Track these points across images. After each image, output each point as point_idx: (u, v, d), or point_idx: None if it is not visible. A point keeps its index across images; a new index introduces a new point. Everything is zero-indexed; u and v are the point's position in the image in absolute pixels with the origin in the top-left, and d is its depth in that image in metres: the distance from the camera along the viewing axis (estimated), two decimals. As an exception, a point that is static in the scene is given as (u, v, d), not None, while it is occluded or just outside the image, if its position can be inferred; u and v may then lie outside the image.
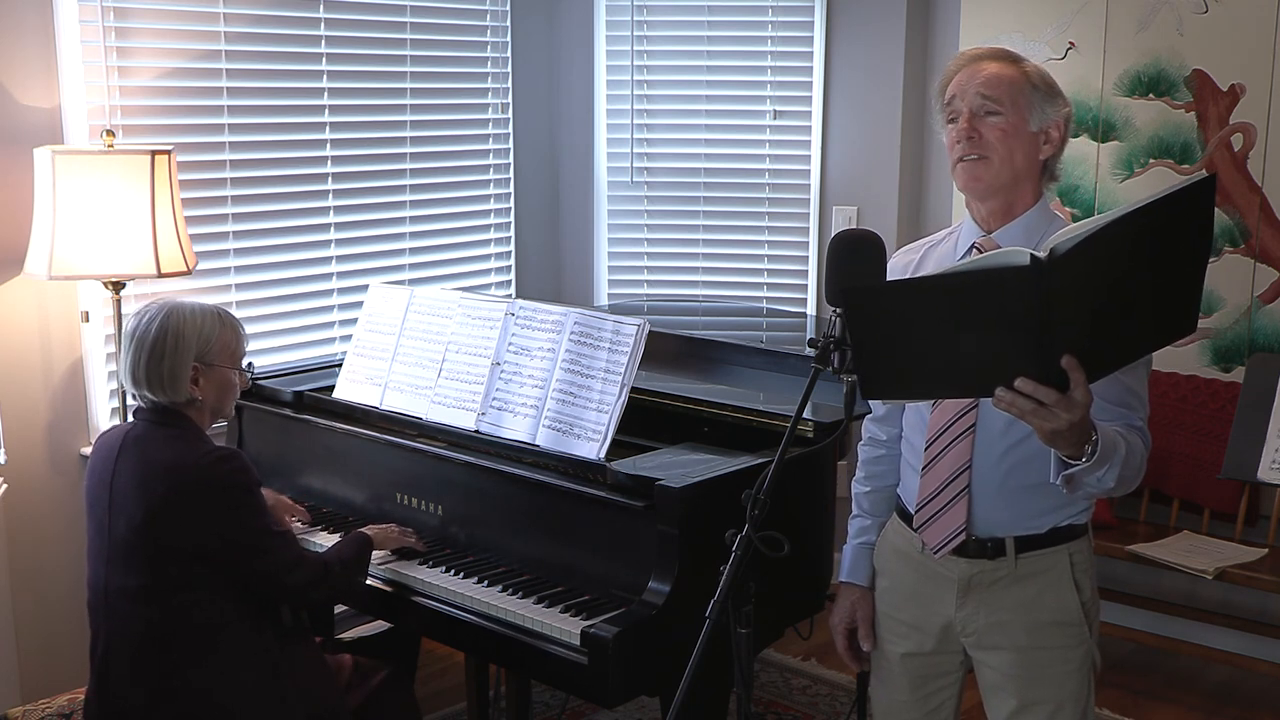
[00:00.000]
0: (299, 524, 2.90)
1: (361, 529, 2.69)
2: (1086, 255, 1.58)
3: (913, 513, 2.13)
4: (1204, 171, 1.68)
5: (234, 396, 2.54)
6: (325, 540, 2.79)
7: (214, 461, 2.37)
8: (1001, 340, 1.65)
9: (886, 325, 1.71)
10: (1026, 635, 2.09)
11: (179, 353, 2.41)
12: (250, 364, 2.59)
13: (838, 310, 1.82)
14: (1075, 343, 1.65)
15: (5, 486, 2.84)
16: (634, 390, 2.60)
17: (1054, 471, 1.83)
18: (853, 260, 1.85)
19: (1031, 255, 1.57)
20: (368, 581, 2.67)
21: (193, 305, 2.48)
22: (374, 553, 2.65)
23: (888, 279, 1.89)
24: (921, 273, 2.18)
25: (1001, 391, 1.68)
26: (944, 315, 1.65)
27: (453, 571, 2.62)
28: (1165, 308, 1.71)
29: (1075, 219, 4.02)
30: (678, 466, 2.50)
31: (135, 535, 2.35)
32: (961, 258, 2.09)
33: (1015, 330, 1.63)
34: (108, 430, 2.56)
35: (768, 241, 4.52)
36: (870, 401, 2.29)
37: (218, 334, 2.46)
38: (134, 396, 2.48)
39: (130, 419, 2.53)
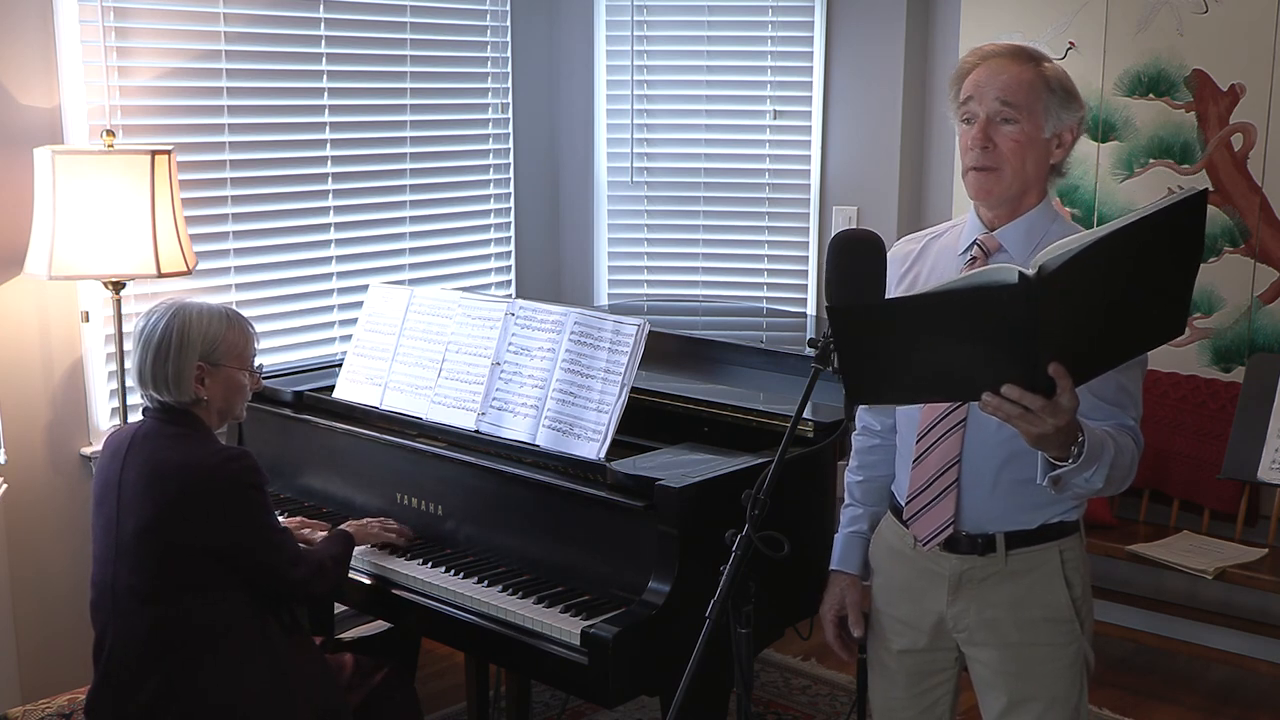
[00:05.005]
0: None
1: (342, 527, 2.71)
2: (1075, 271, 1.59)
3: (903, 506, 2.14)
4: (1198, 186, 1.68)
5: (244, 398, 2.54)
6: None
7: (224, 461, 2.38)
8: (989, 351, 1.66)
9: (873, 339, 1.71)
10: (1017, 631, 2.09)
11: (183, 352, 2.41)
12: (260, 365, 2.58)
13: None
14: (1062, 350, 1.66)
15: (5, 486, 2.84)
16: (634, 390, 2.60)
17: (1040, 473, 1.84)
18: (853, 261, 1.85)
19: (1020, 273, 1.57)
20: (367, 581, 2.68)
21: (201, 305, 2.48)
22: (362, 548, 2.69)
23: (882, 278, 1.88)
24: (921, 264, 2.19)
25: (988, 396, 1.69)
26: (931, 330, 1.66)
27: (453, 571, 2.62)
28: (1154, 315, 1.72)
29: (1075, 219, 4.02)
30: (678, 466, 2.50)
31: (144, 534, 2.35)
32: (962, 252, 2.10)
33: (1003, 342, 1.64)
34: (116, 429, 2.56)
35: (768, 241, 4.52)
36: None
37: (224, 334, 2.46)
38: (143, 396, 2.48)
39: (136, 418, 2.53)
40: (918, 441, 2.10)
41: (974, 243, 2.08)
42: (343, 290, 3.97)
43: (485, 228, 4.44)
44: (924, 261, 2.19)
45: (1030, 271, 1.58)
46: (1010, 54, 2.03)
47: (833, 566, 2.32)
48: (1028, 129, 1.99)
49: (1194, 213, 1.65)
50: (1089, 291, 1.63)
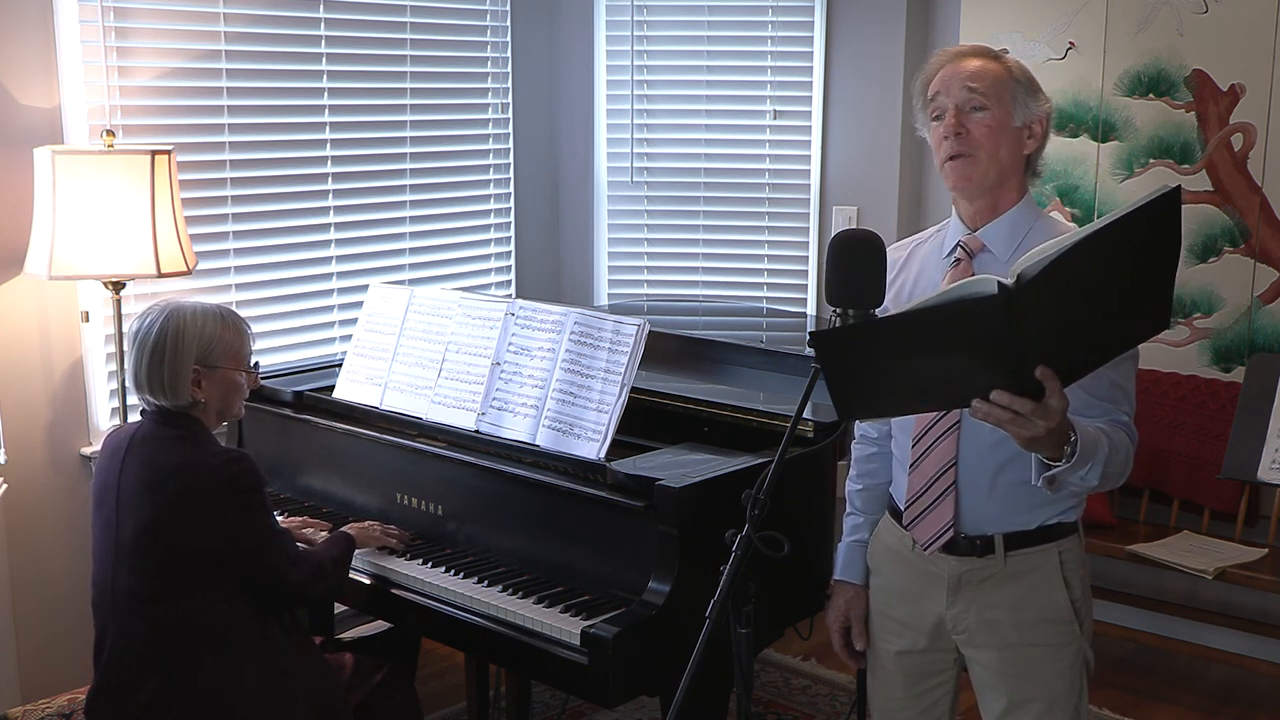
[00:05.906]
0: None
1: (343, 529, 2.71)
2: (1054, 277, 1.59)
3: (902, 510, 2.14)
4: (1168, 184, 1.68)
5: (241, 397, 2.53)
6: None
7: (223, 463, 2.37)
8: (975, 360, 1.67)
9: (859, 358, 1.72)
10: (1016, 633, 2.09)
11: (179, 356, 2.40)
12: (257, 363, 2.58)
13: (837, 311, 1.82)
14: (1048, 354, 1.66)
15: (5, 486, 2.84)
16: (634, 390, 2.60)
17: (1035, 474, 1.85)
18: (853, 261, 1.85)
19: (999, 283, 1.58)
20: (367, 581, 2.68)
21: (194, 306, 2.47)
22: (359, 551, 2.68)
23: (882, 278, 1.88)
24: (906, 271, 2.20)
25: (978, 403, 1.71)
26: (915, 345, 1.67)
27: (452, 571, 2.62)
28: (1138, 312, 1.73)
29: (1075, 219, 4.02)
30: (678, 466, 2.50)
31: (143, 536, 2.35)
32: (947, 255, 2.11)
33: (988, 351, 1.65)
34: (115, 429, 2.55)
35: (768, 241, 4.52)
36: None
37: (219, 335, 2.45)
38: (139, 399, 2.48)
39: (136, 418, 2.52)
40: (913, 446, 2.10)
41: (957, 244, 2.09)
42: (343, 290, 3.97)
43: (485, 228, 4.44)
44: (909, 269, 2.20)
45: (1009, 281, 1.58)
46: (972, 51, 2.08)
47: (836, 576, 2.33)
48: (998, 115, 2.01)
49: (1169, 208, 1.66)
50: (1071, 296, 1.64)
